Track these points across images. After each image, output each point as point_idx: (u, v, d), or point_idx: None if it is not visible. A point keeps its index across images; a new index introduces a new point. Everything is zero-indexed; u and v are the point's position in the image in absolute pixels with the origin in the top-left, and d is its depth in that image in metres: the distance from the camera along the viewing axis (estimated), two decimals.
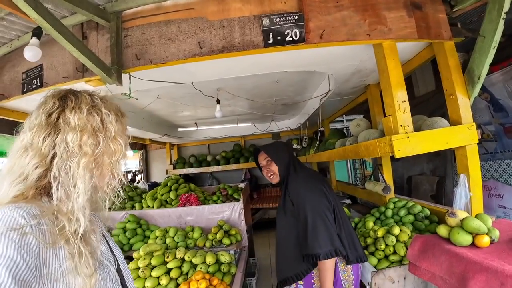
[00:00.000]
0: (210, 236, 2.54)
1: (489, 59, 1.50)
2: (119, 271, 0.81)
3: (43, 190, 0.68)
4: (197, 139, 5.84)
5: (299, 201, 1.47)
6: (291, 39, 1.55)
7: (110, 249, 0.83)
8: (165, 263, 2.11)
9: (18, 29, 1.99)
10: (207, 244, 2.48)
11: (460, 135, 1.58)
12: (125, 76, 1.80)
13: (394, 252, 1.72)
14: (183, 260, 2.22)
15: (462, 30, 1.75)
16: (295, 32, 1.55)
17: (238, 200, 2.91)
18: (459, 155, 1.68)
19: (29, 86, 2.16)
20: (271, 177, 1.70)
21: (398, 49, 1.66)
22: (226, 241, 2.48)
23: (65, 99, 0.73)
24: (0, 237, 0.54)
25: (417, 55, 2.00)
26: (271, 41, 1.56)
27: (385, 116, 1.65)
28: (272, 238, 5.07)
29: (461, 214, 1.42)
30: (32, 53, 1.56)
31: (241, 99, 3.52)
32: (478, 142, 1.60)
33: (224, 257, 2.23)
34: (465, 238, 1.31)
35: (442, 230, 1.44)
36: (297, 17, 1.56)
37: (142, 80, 2.01)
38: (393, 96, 1.55)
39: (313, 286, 1.47)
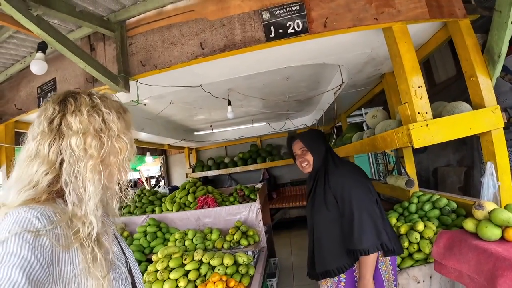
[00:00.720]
0: (227, 238, 2.52)
1: (508, 34, 1.37)
2: (130, 272, 0.81)
3: (56, 194, 0.68)
4: (214, 141, 5.89)
5: (344, 195, 1.42)
6: (293, 30, 1.50)
7: (122, 250, 0.83)
8: (183, 265, 2.12)
9: (29, 46, 2.06)
10: (225, 246, 2.47)
11: (484, 119, 1.46)
12: (133, 84, 1.84)
13: (419, 250, 1.61)
14: (201, 262, 2.22)
15: (477, 7, 1.62)
16: (297, 23, 1.50)
17: (254, 200, 2.87)
18: (484, 141, 1.55)
19: (44, 100, 2.26)
20: (305, 166, 1.65)
21: (410, 32, 1.56)
22: (244, 242, 2.45)
23: (64, 103, 0.72)
24: (14, 237, 0.55)
25: (432, 38, 1.88)
26: (273, 35, 1.52)
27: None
28: (294, 238, 4.99)
29: (489, 206, 1.30)
30: (38, 67, 1.63)
31: (254, 99, 3.50)
32: (504, 126, 1.47)
33: (242, 258, 2.21)
34: (493, 232, 1.20)
35: (469, 224, 1.33)
36: (297, 7, 1.51)
37: (151, 86, 2.05)
38: (408, 81, 1.45)
39: (355, 278, 1.44)
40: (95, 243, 0.65)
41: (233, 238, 2.48)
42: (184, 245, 2.62)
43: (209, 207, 2.93)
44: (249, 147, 6.29)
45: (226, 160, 6.15)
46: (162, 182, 6.72)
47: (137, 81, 1.81)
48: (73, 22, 1.82)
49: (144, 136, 4.29)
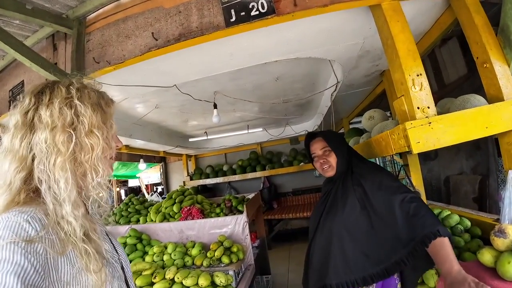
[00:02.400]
0: (208, 254, 2.26)
1: None
2: (122, 269, 0.80)
3: (34, 193, 0.65)
4: (212, 148, 5.69)
5: (387, 197, 1.20)
6: (257, 12, 1.25)
7: (114, 247, 0.82)
8: (153, 284, 1.87)
9: (1, 49, 1.98)
10: (205, 263, 2.20)
11: (503, 115, 1.16)
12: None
13: (422, 282, 1.28)
14: (173, 281, 1.96)
15: None
16: (262, 3, 1.25)
17: (242, 212, 2.60)
18: (505, 144, 1.25)
19: (14, 103, 2.16)
20: (326, 169, 1.43)
21: (408, 17, 1.29)
22: (225, 259, 2.18)
23: (40, 94, 0.69)
24: (6, 243, 0.54)
25: (435, 23, 1.60)
26: (233, 19, 1.28)
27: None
28: (294, 251, 4.65)
29: None
30: None
31: (246, 102, 3.27)
32: None
33: (220, 279, 1.94)
34: None
35: (486, 257, 1.01)
36: None
37: (122, 87, 1.86)
38: (404, 68, 1.17)
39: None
40: (84, 241, 0.64)
41: (214, 255, 2.21)
42: (162, 260, 2.37)
43: (193, 219, 2.68)
44: (248, 154, 6.04)
45: (225, 168, 5.91)
46: (157, 190, 6.54)
47: (94, 79, 1.61)
48: (24, 21, 1.70)
49: (135, 142, 4.12)
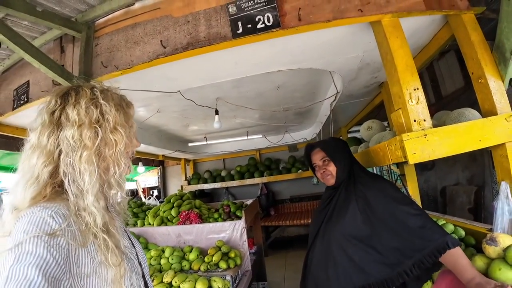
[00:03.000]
0: (206, 259, 2.27)
1: None
2: (140, 264, 0.83)
3: (60, 187, 0.69)
4: (211, 154, 5.71)
5: (392, 207, 1.21)
6: (263, 25, 1.30)
7: (132, 244, 0.85)
8: None
9: (8, 48, 2.00)
10: (202, 268, 2.21)
11: (496, 129, 1.21)
12: None
13: None
14: (171, 285, 1.97)
15: (486, 12, 1.40)
16: (268, 17, 1.30)
17: (240, 218, 2.62)
18: (498, 156, 1.29)
19: (18, 102, 2.19)
20: (327, 178, 1.47)
21: (407, 33, 1.35)
22: (223, 265, 2.19)
23: (66, 96, 0.75)
24: (30, 237, 0.57)
25: (433, 38, 1.66)
26: (240, 31, 1.33)
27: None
28: (290, 259, 4.65)
29: (505, 241, 1.03)
30: None
31: (248, 110, 3.31)
32: None
33: (217, 284, 1.95)
34: (509, 276, 0.93)
35: (477, 263, 1.05)
36: None
37: (126, 91, 1.89)
38: (401, 83, 1.22)
39: None
40: (104, 232, 0.67)
41: (212, 260, 2.22)
42: (159, 263, 2.38)
43: (191, 223, 2.69)
44: (247, 160, 6.06)
45: (223, 173, 5.92)
46: (154, 194, 6.52)
47: (101, 83, 1.66)
48: (44, 25, 1.74)
49: None
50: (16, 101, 2.21)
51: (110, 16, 1.66)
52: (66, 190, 0.68)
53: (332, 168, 1.43)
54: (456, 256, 1.06)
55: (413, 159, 1.15)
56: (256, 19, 1.31)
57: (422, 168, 4.01)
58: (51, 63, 1.51)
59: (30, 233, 0.57)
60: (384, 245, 1.18)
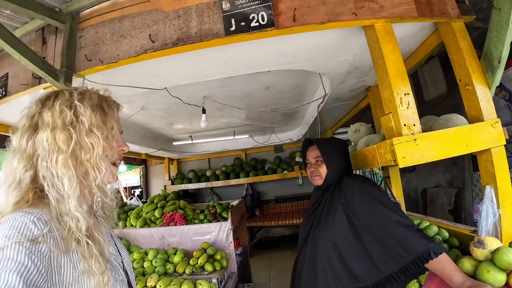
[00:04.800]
0: (191, 261, 2.21)
1: (509, 36, 1.18)
2: (126, 272, 0.81)
3: (42, 191, 0.68)
4: (195, 153, 5.61)
5: (378, 213, 1.19)
6: (257, 24, 1.27)
7: (118, 250, 0.83)
8: None
9: None
10: (187, 270, 2.15)
11: (482, 134, 1.24)
12: (80, 80, 1.60)
13: None
14: None
15: (472, 10, 1.44)
16: (262, 15, 1.27)
17: (226, 219, 2.58)
18: (483, 161, 1.33)
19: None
20: (315, 178, 1.47)
21: (398, 38, 1.36)
22: (208, 267, 2.14)
23: (46, 100, 0.74)
24: (11, 243, 0.56)
25: (421, 45, 1.69)
26: (233, 28, 1.29)
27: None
28: (275, 259, 4.65)
29: (492, 244, 1.06)
30: None
31: (234, 109, 3.27)
32: (505, 144, 1.26)
33: (203, 287, 1.90)
34: (496, 278, 0.96)
35: (466, 265, 1.08)
36: None
37: (107, 86, 1.80)
38: (392, 87, 1.23)
39: None
40: (88, 238, 0.66)
41: (197, 262, 2.17)
42: (142, 266, 2.30)
43: (175, 225, 2.62)
44: (232, 160, 6.02)
45: (208, 173, 5.84)
46: (136, 194, 6.33)
47: (84, 77, 1.57)
48: (27, 14, 1.63)
49: None
50: None
51: (96, 7, 1.57)
52: (46, 193, 0.67)
53: (323, 170, 1.43)
54: (442, 263, 1.06)
55: (403, 163, 1.16)
56: (250, 17, 1.28)
57: (404, 170, 4.12)
58: (32, 55, 1.41)
59: (12, 238, 0.56)
60: (372, 250, 1.18)
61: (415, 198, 4.07)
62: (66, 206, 0.65)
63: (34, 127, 0.70)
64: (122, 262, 0.82)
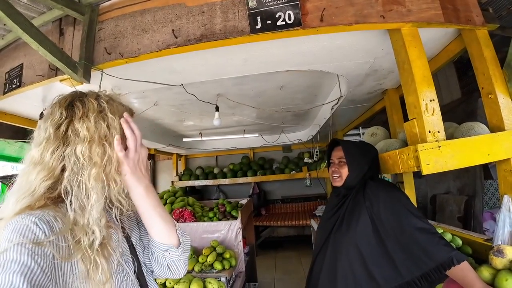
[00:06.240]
0: (200, 259, 2.22)
1: None
2: (139, 272, 0.79)
3: (52, 201, 0.66)
4: (204, 150, 5.63)
5: (402, 219, 1.19)
6: (283, 23, 1.26)
7: (132, 246, 0.80)
8: None
9: (2, 28, 1.87)
10: (196, 268, 2.16)
11: (504, 144, 1.22)
12: (98, 74, 1.60)
13: None
14: (164, 286, 1.92)
15: (496, 18, 1.41)
16: (289, 14, 1.26)
17: (236, 218, 2.58)
18: (502, 171, 1.31)
19: (10, 86, 2.06)
20: (335, 179, 1.46)
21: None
22: (217, 265, 2.15)
23: (72, 107, 0.71)
24: (13, 245, 0.56)
25: (443, 50, 1.66)
26: (259, 26, 1.28)
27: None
28: (280, 259, 4.65)
29: (511, 253, 1.05)
30: None
31: (246, 108, 3.27)
32: None
33: (212, 286, 1.91)
34: None
35: (484, 273, 1.07)
36: None
37: (124, 80, 1.81)
38: (418, 93, 1.21)
39: None
40: (97, 253, 0.64)
41: (206, 260, 2.18)
42: None
43: (185, 221, 2.63)
44: (240, 158, 6.02)
45: (216, 171, 5.85)
46: None
47: (102, 71, 1.57)
48: (45, 4, 1.64)
49: None
50: (7, 84, 2.07)
51: None
52: (66, 207, 0.65)
53: (344, 172, 1.41)
54: (464, 271, 1.06)
55: (427, 170, 1.15)
56: (277, 16, 1.26)
57: (413, 175, 4.09)
58: (50, 46, 1.40)
59: (14, 241, 0.56)
60: (395, 255, 1.17)
61: (424, 204, 4.03)
62: (84, 219, 0.64)
63: (62, 139, 0.68)
64: (134, 262, 0.78)
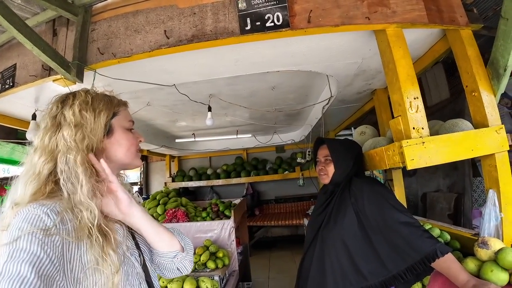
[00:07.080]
0: (193, 258, 2.22)
1: None
2: (145, 266, 0.82)
3: (56, 184, 0.71)
4: (197, 151, 5.62)
5: (386, 213, 1.23)
6: (272, 24, 1.29)
7: (137, 244, 0.84)
8: None
9: None
10: None
11: (487, 139, 1.27)
12: (91, 74, 1.61)
13: None
14: None
15: (480, 18, 1.47)
16: (277, 16, 1.30)
17: (229, 217, 2.60)
18: (486, 166, 1.36)
19: (3, 87, 2.05)
20: (322, 176, 1.50)
21: (406, 41, 1.39)
22: (211, 264, 2.16)
23: (65, 100, 0.80)
24: (24, 233, 0.57)
25: (429, 51, 1.72)
26: (248, 27, 1.31)
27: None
28: (274, 259, 4.67)
29: (495, 244, 1.09)
30: None
31: (239, 108, 3.29)
32: (509, 149, 1.29)
33: (205, 284, 1.92)
34: (500, 277, 0.99)
35: (470, 265, 1.11)
36: None
37: (119, 80, 1.82)
38: (402, 91, 1.26)
39: None
40: (100, 233, 0.67)
41: (199, 260, 2.19)
42: None
43: (178, 222, 2.64)
44: (234, 159, 6.03)
45: (209, 172, 5.86)
46: (134, 190, 6.33)
47: (95, 71, 1.58)
48: (39, 5, 1.64)
49: None
50: (1, 85, 2.06)
51: (109, 0, 1.58)
52: (61, 187, 0.70)
53: (330, 169, 1.45)
54: (448, 262, 1.10)
55: (411, 165, 1.19)
56: (266, 17, 1.30)
57: (404, 174, 4.16)
58: (44, 46, 1.42)
59: (25, 230, 0.58)
60: (380, 249, 1.21)
61: (415, 202, 4.10)
62: (78, 196, 0.68)
63: (56, 126, 0.75)
64: (141, 256, 0.82)
